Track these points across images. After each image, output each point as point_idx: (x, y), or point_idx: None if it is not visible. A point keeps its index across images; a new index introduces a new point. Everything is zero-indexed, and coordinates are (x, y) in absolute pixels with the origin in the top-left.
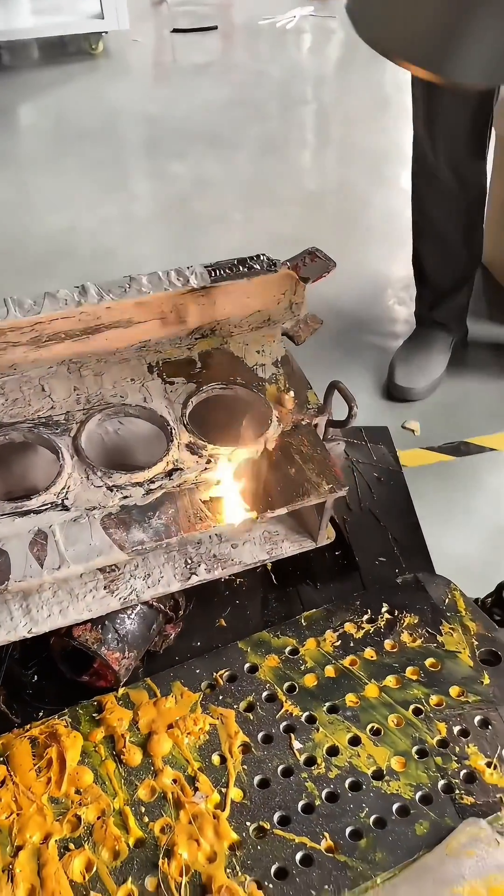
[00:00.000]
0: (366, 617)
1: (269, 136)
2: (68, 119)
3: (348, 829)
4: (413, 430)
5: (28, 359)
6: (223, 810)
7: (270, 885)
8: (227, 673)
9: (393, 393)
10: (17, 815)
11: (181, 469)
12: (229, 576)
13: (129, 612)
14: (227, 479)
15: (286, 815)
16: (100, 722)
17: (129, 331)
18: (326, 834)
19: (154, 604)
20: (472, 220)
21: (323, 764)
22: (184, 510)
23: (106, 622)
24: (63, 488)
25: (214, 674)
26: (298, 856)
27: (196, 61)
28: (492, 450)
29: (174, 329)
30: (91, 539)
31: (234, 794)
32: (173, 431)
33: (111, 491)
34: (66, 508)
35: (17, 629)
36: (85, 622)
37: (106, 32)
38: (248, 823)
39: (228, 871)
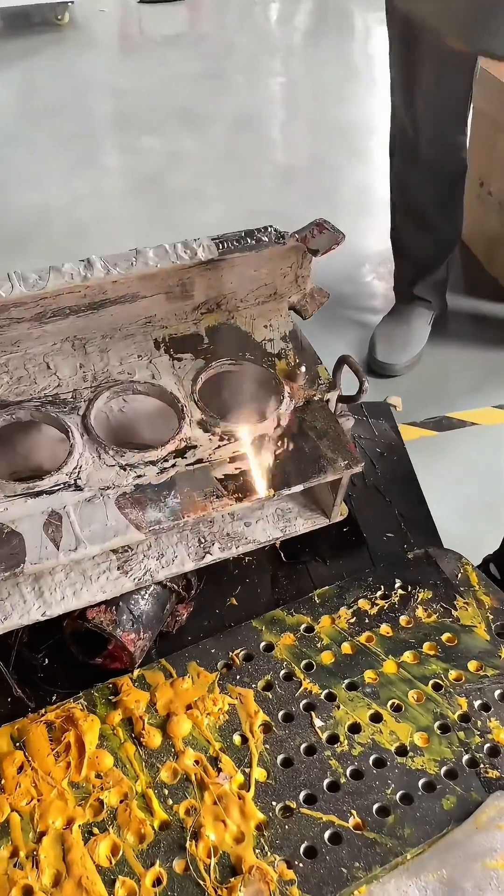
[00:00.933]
0: (379, 593)
1: (243, 110)
2: (36, 92)
3: (375, 806)
4: (395, 406)
5: (31, 335)
6: (248, 790)
7: (300, 864)
8: (242, 652)
9: (374, 368)
10: (38, 800)
11: (194, 447)
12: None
13: (142, 592)
14: (240, 457)
15: (312, 793)
16: (116, 704)
17: (135, 306)
18: (353, 811)
19: (167, 584)
20: (453, 196)
21: (346, 741)
22: (199, 489)
23: (120, 603)
24: (75, 468)
25: (230, 653)
26: (327, 834)
27: (165, 33)
28: (474, 424)
29: (180, 304)
30: (107, 519)
31: (258, 773)
32: (184, 408)
33: (124, 470)
34: (79, 488)
35: (30, 612)
36: (98, 604)
37: (72, 2)
38: (273, 803)
39: (257, 851)
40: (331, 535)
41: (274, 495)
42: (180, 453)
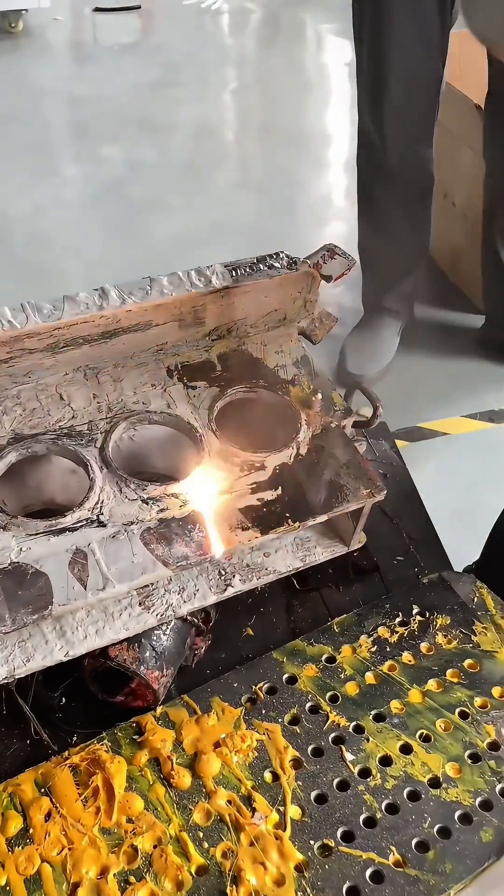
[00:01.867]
0: (398, 620)
1: (201, 119)
2: None
3: (414, 841)
4: (366, 417)
5: (44, 365)
6: (284, 830)
7: None
8: (266, 685)
9: (344, 380)
10: (70, 849)
11: (215, 478)
12: None
13: (163, 627)
14: (262, 486)
15: (349, 830)
16: (142, 744)
17: (147, 334)
18: (393, 847)
19: (188, 617)
20: (421, 208)
21: (378, 774)
22: (225, 521)
23: (142, 640)
24: (97, 503)
25: (253, 686)
26: (368, 873)
27: (121, 41)
28: (444, 434)
29: (191, 331)
30: (133, 556)
31: (293, 812)
32: (202, 438)
33: (147, 504)
34: (102, 524)
35: (53, 653)
36: (120, 641)
37: (26, 10)
38: (311, 842)
39: (299, 894)
40: (342, 560)
41: (299, 527)
42: (202, 485)
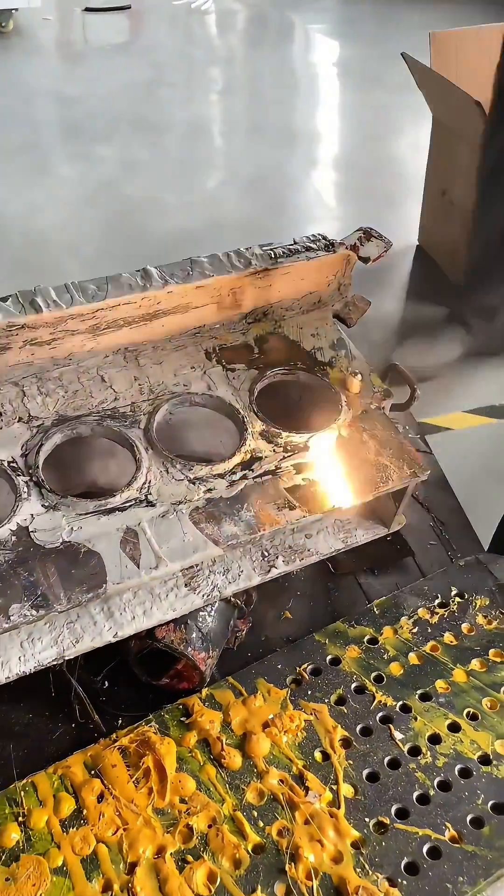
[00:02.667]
0: (437, 602)
1: (194, 118)
2: None
3: (469, 817)
4: None
5: (85, 348)
6: (339, 808)
7: (404, 882)
8: (309, 667)
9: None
10: (125, 830)
11: (260, 458)
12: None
13: (209, 609)
14: (306, 467)
15: (403, 807)
16: (190, 726)
17: (186, 316)
18: (448, 824)
19: (232, 599)
20: None
21: (428, 753)
22: (271, 501)
23: (188, 621)
24: (144, 483)
25: (297, 668)
26: (425, 848)
27: (111, 41)
28: (447, 429)
29: (228, 313)
30: (183, 535)
31: (346, 790)
32: (245, 420)
33: (193, 484)
34: (151, 504)
35: (101, 634)
36: (167, 623)
37: (16, 10)
38: (366, 819)
39: (358, 870)
40: (377, 546)
41: (345, 507)
42: (247, 465)
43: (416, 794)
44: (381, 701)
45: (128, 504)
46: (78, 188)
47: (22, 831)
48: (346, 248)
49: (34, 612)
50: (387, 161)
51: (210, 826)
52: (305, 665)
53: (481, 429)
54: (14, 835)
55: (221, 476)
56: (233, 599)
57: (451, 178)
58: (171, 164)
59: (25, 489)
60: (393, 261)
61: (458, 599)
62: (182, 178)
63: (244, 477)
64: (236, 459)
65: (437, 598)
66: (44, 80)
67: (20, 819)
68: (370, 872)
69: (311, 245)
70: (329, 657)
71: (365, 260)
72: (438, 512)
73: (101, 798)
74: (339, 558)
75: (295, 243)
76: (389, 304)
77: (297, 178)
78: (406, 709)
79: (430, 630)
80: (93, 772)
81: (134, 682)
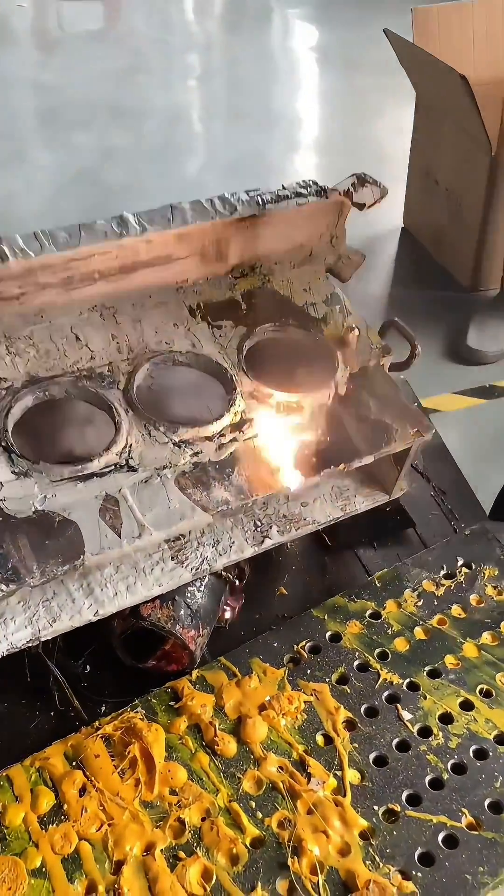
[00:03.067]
0: (442, 573)
1: (173, 104)
2: None
3: (486, 802)
4: None
5: (56, 303)
6: (344, 796)
7: (419, 874)
8: (308, 644)
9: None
10: (110, 825)
11: (250, 420)
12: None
13: (198, 584)
14: (300, 428)
15: (415, 793)
16: (179, 711)
17: (167, 270)
18: (464, 810)
19: (223, 573)
20: None
21: (440, 733)
22: (263, 465)
23: (176, 597)
24: (125, 447)
25: (294, 646)
26: (440, 837)
27: (87, 28)
28: (436, 410)
29: (213, 267)
30: (168, 501)
31: (351, 776)
32: (234, 379)
33: (179, 447)
34: (133, 469)
35: (81, 613)
36: (153, 599)
37: None
38: (375, 807)
39: (367, 862)
40: (375, 517)
41: (345, 469)
42: (237, 427)
43: (428, 779)
44: (386, 679)
45: (107, 469)
46: (56, 175)
47: None
48: (340, 194)
49: (4, 587)
50: (369, 144)
51: (204, 819)
52: (304, 643)
53: (472, 410)
54: None
55: (209, 438)
56: (224, 574)
57: (436, 158)
58: (151, 150)
59: None
60: (377, 244)
61: (464, 570)
62: (161, 164)
63: (234, 440)
64: (225, 421)
65: (443, 568)
66: (19, 69)
67: None
68: (381, 865)
69: (302, 191)
70: (329, 633)
71: (360, 206)
72: (439, 481)
73: (83, 791)
74: (335, 530)
75: (284, 189)
76: (375, 288)
77: (278, 162)
78: (414, 687)
79: (436, 603)
80: (74, 763)
81: (118, 665)
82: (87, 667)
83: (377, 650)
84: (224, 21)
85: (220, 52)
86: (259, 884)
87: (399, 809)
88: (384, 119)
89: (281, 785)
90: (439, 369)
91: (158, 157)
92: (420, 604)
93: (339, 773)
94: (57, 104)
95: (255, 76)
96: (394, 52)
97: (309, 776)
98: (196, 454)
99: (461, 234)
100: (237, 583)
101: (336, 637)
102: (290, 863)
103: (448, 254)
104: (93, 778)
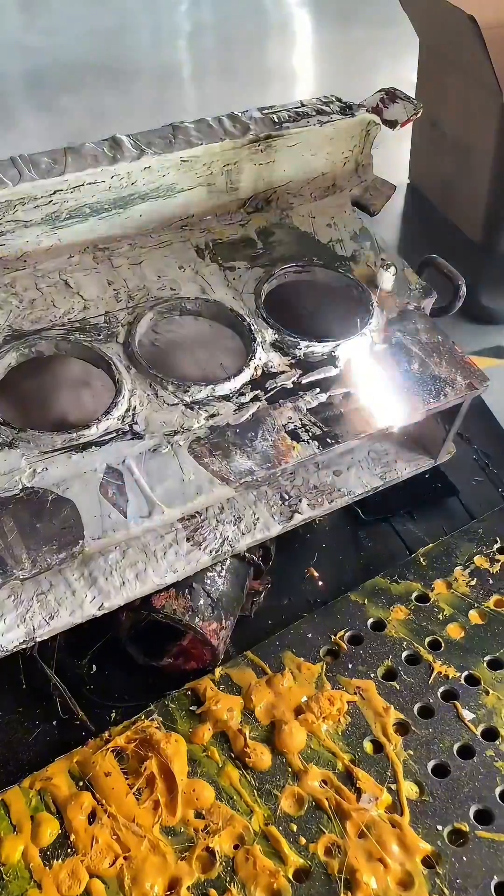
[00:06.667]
0: (496, 546)
1: (163, 63)
2: None
3: None
4: None
5: (42, 245)
6: (402, 814)
7: None
8: (348, 633)
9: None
10: (126, 859)
11: (274, 375)
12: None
13: (218, 568)
14: (333, 382)
15: (484, 808)
16: (202, 716)
17: (169, 203)
18: None
19: (246, 555)
20: None
21: None
22: (291, 427)
23: (193, 584)
24: (128, 410)
25: (332, 636)
26: None
27: None
28: None
29: (223, 199)
30: (182, 472)
31: (408, 789)
32: (252, 328)
33: (191, 409)
34: (138, 436)
35: (83, 607)
36: (167, 588)
37: None
38: (439, 828)
39: (435, 895)
40: (413, 485)
41: (389, 428)
42: (258, 384)
43: (498, 791)
44: (440, 672)
45: (108, 437)
46: (46, 141)
47: None
48: (367, 110)
49: None
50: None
51: (237, 847)
52: (342, 632)
53: (488, 371)
54: None
55: (227, 398)
56: (247, 555)
57: (442, 108)
58: (142, 111)
59: None
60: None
61: None
62: (153, 125)
63: (256, 398)
64: (244, 377)
65: (496, 541)
66: (1, 32)
67: None
68: None
69: (324, 108)
70: (370, 620)
71: (392, 124)
72: (482, 443)
73: (92, 818)
74: (369, 501)
75: (303, 105)
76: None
77: None
78: (473, 680)
79: (491, 581)
80: (81, 783)
81: (128, 664)
82: (93, 666)
83: (428, 639)
84: None
85: (209, 9)
86: None
87: (467, 829)
88: (382, 73)
89: (326, 803)
90: (451, 330)
91: (150, 118)
92: (473, 583)
93: (393, 787)
94: (43, 66)
95: (246, 32)
96: None
97: (358, 791)
98: (212, 416)
99: (471, 187)
100: (262, 565)
101: (379, 625)
102: None
103: (458, 208)
104: (104, 801)
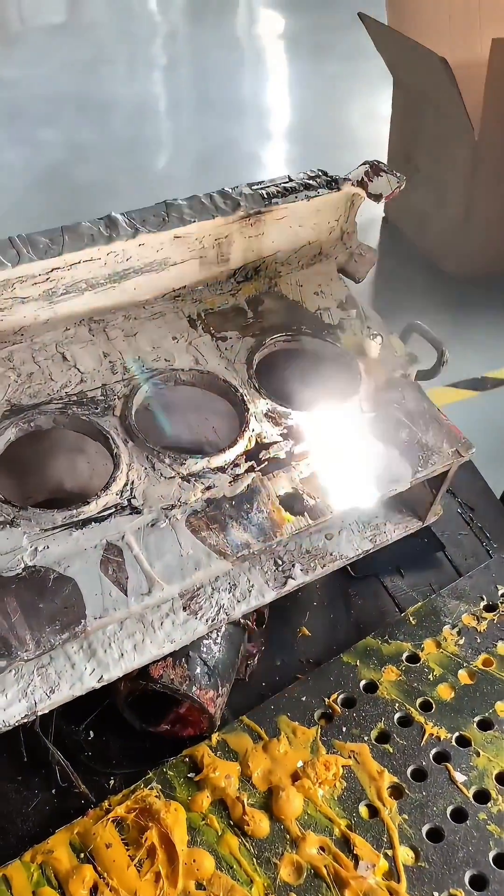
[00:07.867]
0: (482, 604)
1: (141, 97)
2: None
3: None
4: None
5: (39, 319)
6: (398, 881)
7: None
8: (341, 696)
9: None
10: None
11: (267, 445)
12: None
13: (213, 635)
14: (325, 452)
15: (478, 873)
16: (200, 784)
17: (162, 276)
18: None
19: (241, 620)
20: None
21: (499, 797)
22: (285, 497)
23: (190, 653)
24: (126, 484)
25: (325, 699)
26: None
27: (49, 21)
28: None
29: (214, 270)
30: (180, 547)
31: (404, 855)
32: (245, 398)
33: (188, 482)
34: (136, 511)
35: (82, 679)
36: (164, 658)
37: None
38: (435, 894)
39: None
40: (400, 541)
41: (382, 496)
42: (253, 455)
43: (492, 854)
44: (432, 734)
45: (107, 513)
46: (24, 174)
47: None
48: (353, 184)
49: None
50: (342, 131)
51: None
52: (335, 695)
53: (465, 403)
54: None
55: (222, 470)
56: (242, 620)
57: (416, 144)
58: (119, 144)
59: None
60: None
61: None
62: (130, 159)
63: (251, 469)
64: (239, 448)
65: (483, 599)
66: None
67: None
68: None
69: (311, 182)
70: (363, 682)
71: (376, 198)
72: (465, 496)
73: (94, 892)
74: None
75: (290, 180)
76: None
77: (250, 152)
78: (464, 741)
79: (479, 640)
80: (82, 855)
81: (125, 729)
82: (91, 732)
83: (419, 700)
84: (187, 10)
85: (184, 42)
86: None
87: (463, 895)
88: (357, 105)
89: (324, 870)
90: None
91: (127, 151)
92: (462, 642)
93: (389, 853)
94: (20, 99)
95: (221, 65)
96: (369, 36)
97: (356, 858)
98: (208, 489)
99: (445, 220)
100: (255, 629)
101: (371, 686)
102: None
103: (432, 242)
104: (105, 873)
